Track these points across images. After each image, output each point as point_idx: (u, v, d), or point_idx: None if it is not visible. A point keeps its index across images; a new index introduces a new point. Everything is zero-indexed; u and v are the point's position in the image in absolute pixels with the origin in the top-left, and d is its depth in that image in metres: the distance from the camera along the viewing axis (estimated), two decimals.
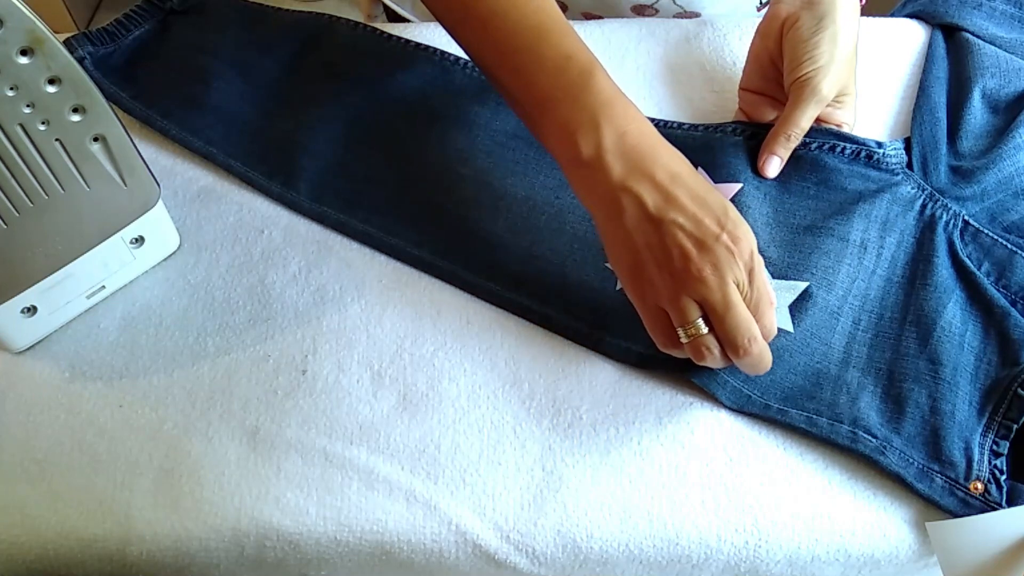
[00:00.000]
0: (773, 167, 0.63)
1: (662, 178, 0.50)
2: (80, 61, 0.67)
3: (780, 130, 0.61)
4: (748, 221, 0.60)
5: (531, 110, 0.54)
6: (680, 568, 0.54)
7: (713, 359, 0.51)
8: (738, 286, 0.49)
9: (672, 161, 0.51)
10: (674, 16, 0.76)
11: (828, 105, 0.62)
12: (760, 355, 0.51)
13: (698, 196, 0.50)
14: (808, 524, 0.53)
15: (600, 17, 0.78)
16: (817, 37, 0.59)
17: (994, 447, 0.54)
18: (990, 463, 0.53)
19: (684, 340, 0.51)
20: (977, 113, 0.65)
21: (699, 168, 0.63)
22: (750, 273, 0.50)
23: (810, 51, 0.59)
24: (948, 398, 0.55)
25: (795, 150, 0.63)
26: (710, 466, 0.54)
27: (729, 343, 0.50)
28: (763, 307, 0.50)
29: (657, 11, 0.77)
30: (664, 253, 0.49)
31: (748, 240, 0.50)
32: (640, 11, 0.77)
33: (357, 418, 0.56)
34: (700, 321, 0.50)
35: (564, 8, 0.80)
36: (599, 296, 0.60)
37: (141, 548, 0.53)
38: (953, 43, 0.70)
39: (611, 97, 0.51)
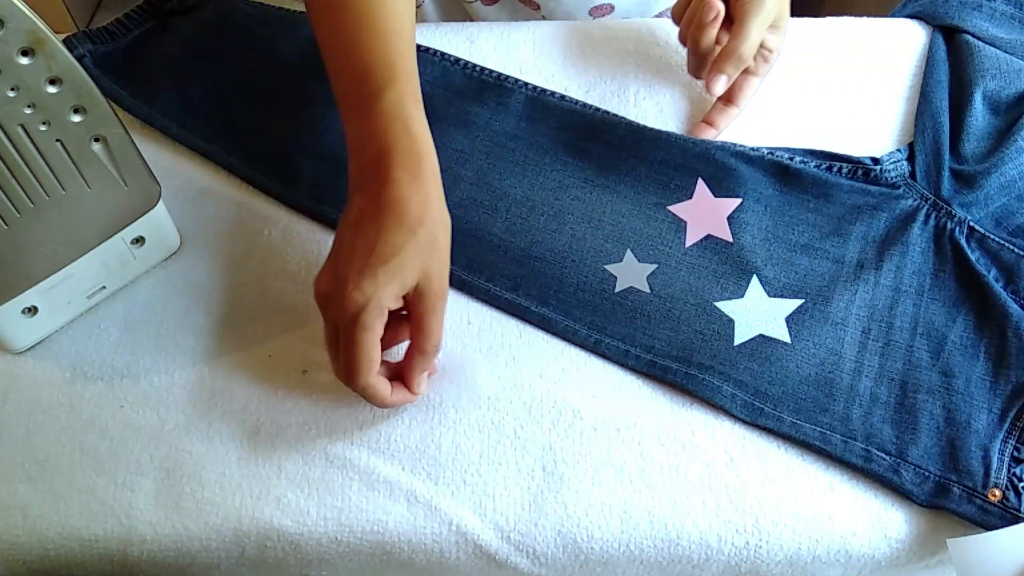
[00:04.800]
0: (719, 85, 0.62)
1: (369, 203, 0.51)
2: (80, 59, 0.67)
3: (732, 46, 0.61)
4: (747, 237, 0.61)
5: (341, 114, 0.55)
6: (681, 568, 0.54)
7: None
8: (341, 328, 0.50)
9: (393, 197, 0.50)
10: (589, 11, 0.77)
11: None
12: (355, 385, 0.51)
13: (370, 239, 0.50)
14: (809, 524, 0.53)
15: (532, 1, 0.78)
16: None
17: (1015, 453, 0.54)
18: (1009, 470, 0.53)
19: None
20: (979, 116, 0.65)
21: (699, 179, 0.63)
22: (351, 327, 0.49)
23: None
24: (963, 409, 0.55)
25: (795, 166, 0.63)
26: (710, 466, 0.54)
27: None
28: (350, 359, 0.50)
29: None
30: (329, 256, 0.52)
31: (372, 294, 0.49)
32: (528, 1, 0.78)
33: (358, 418, 0.56)
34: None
35: None
36: (598, 298, 0.60)
37: (142, 548, 0.53)
38: (953, 45, 0.70)
39: (389, 121, 0.52)
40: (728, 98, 0.65)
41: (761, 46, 0.63)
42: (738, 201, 0.62)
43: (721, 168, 0.63)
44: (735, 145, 0.64)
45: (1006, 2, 0.71)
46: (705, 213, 0.62)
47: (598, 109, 0.67)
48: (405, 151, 0.51)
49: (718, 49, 0.63)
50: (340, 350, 0.51)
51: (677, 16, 0.66)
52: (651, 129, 0.66)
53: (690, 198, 0.63)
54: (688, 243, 0.61)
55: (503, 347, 0.59)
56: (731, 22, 0.62)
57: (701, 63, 0.64)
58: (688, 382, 0.56)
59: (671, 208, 0.63)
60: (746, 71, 0.64)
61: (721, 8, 0.60)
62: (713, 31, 0.61)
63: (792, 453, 0.55)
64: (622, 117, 0.66)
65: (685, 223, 0.62)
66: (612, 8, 0.80)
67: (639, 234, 0.62)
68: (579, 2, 0.80)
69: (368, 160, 0.52)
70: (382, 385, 0.52)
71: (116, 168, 0.52)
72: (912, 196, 0.63)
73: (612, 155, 0.65)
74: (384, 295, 0.49)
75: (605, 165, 0.64)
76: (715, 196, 0.63)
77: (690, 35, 0.62)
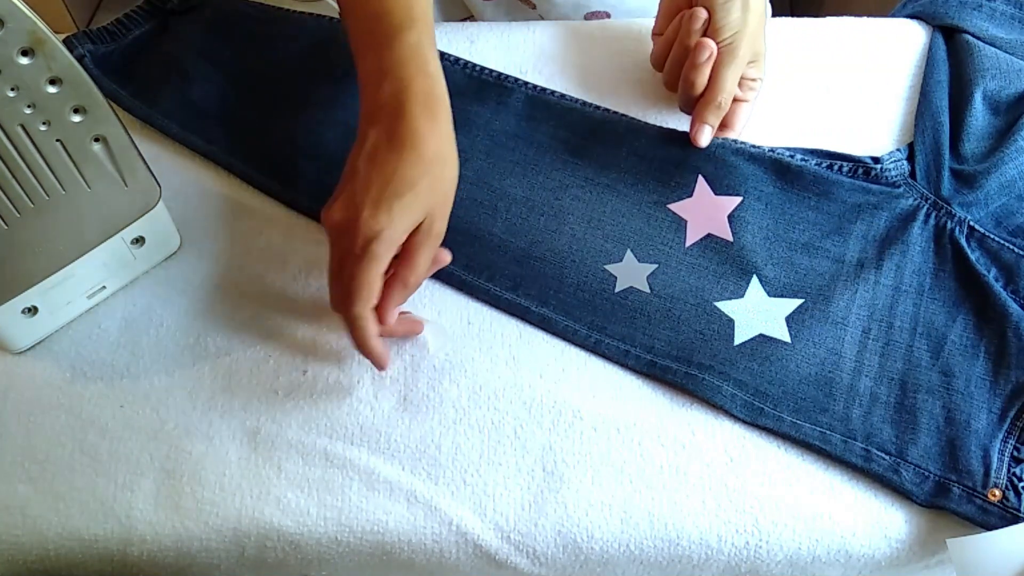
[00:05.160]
0: (705, 136, 0.63)
1: (385, 138, 0.52)
2: (80, 59, 0.67)
3: (709, 97, 0.62)
4: (747, 236, 0.61)
5: (353, 52, 0.57)
6: (681, 568, 0.54)
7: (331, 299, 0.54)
8: (348, 255, 0.51)
9: (411, 132, 0.51)
10: (585, 17, 0.78)
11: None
12: (344, 318, 0.53)
13: (388, 171, 0.51)
14: (809, 524, 0.53)
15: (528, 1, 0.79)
16: (729, 4, 0.61)
17: (1015, 453, 0.54)
18: (1009, 470, 0.53)
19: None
20: (979, 115, 0.65)
21: (700, 177, 0.63)
22: (360, 254, 0.50)
23: (724, 17, 0.61)
24: (963, 408, 0.55)
25: (797, 164, 0.63)
26: (710, 466, 0.54)
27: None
28: (352, 284, 0.51)
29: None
30: (340, 187, 0.53)
31: (385, 225, 0.50)
32: None
33: (358, 418, 0.56)
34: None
35: None
36: (598, 298, 0.60)
37: (142, 548, 0.53)
38: (953, 45, 0.70)
39: (407, 58, 0.53)
40: (723, 123, 0.65)
41: (745, 78, 0.64)
42: (739, 199, 0.62)
43: (722, 165, 0.63)
44: (736, 142, 0.64)
45: (1006, 2, 0.71)
46: (705, 211, 0.62)
47: (598, 107, 0.67)
48: (423, 90, 0.53)
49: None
50: (344, 279, 0.51)
51: (659, 62, 0.66)
52: (651, 127, 0.66)
53: (690, 196, 0.63)
54: (688, 242, 0.61)
55: (503, 347, 0.59)
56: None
57: (694, 101, 0.64)
58: (688, 382, 0.56)
59: (671, 206, 0.63)
60: (734, 100, 0.64)
61: (714, 47, 0.61)
62: (707, 70, 0.62)
63: (792, 453, 0.55)
64: (622, 115, 0.66)
65: (685, 222, 0.62)
66: (608, 15, 0.80)
67: (639, 234, 0.62)
68: (575, 6, 0.80)
69: (385, 96, 0.53)
70: (373, 320, 0.52)
71: (116, 168, 0.52)
72: (912, 195, 0.63)
73: (612, 153, 0.65)
74: (397, 227, 0.50)
75: (605, 164, 0.64)
76: (715, 194, 0.63)
77: (684, 75, 0.62)
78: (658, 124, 0.66)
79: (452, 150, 0.54)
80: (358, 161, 0.52)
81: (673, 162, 0.64)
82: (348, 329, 0.53)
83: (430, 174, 0.51)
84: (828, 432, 0.55)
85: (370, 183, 0.51)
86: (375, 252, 0.50)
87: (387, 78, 0.53)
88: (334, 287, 0.53)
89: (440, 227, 0.53)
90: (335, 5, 0.66)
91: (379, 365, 0.55)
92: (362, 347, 0.53)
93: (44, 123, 0.47)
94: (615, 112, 0.67)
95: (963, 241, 0.60)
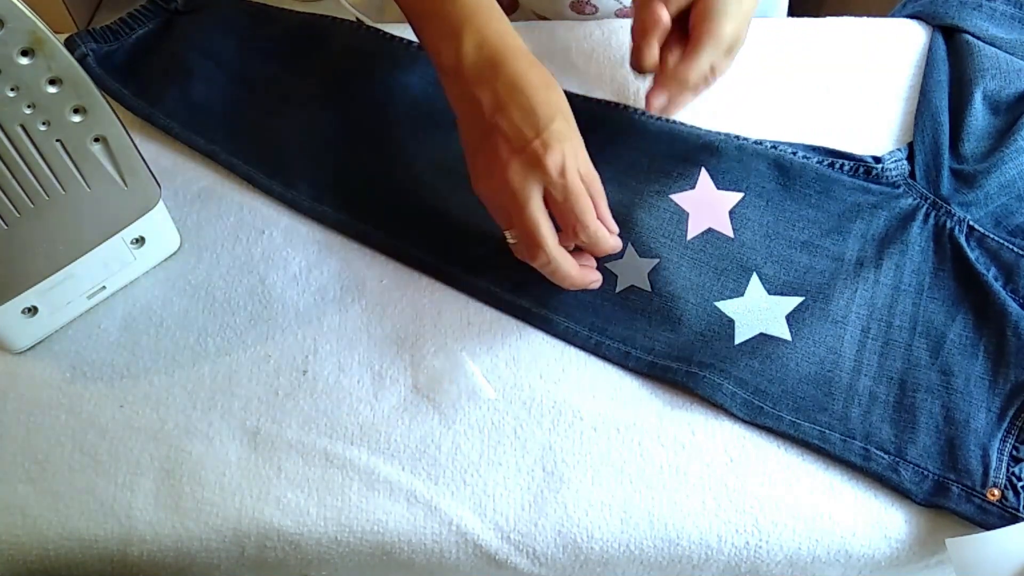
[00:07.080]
0: (659, 103, 0.62)
1: (500, 87, 0.53)
2: (83, 58, 0.67)
3: (679, 70, 0.61)
4: (747, 233, 0.61)
5: (414, 24, 0.58)
6: (681, 569, 0.54)
7: (534, 262, 0.55)
8: (553, 189, 0.52)
9: (517, 72, 0.53)
10: (615, 13, 0.77)
11: None
12: (550, 267, 0.55)
13: (527, 107, 0.52)
14: (809, 524, 0.53)
15: (545, 18, 0.79)
16: None
17: (1014, 452, 0.54)
18: (1008, 469, 0.53)
19: (510, 242, 0.56)
20: (979, 115, 0.65)
21: (702, 169, 0.63)
22: (562, 177, 0.52)
23: (720, 2, 0.60)
24: (962, 408, 0.55)
25: (799, 161, 0.63)
26: (710, 466, 0.54)
27: (521, 244, 0.55)
28: (577, 208, 0.53)
29: (597, 8, 0.78)
30: (490, 157, 0.54)
31: (562, 149, 0.52)
32: (579, 9, 0.78)
33: (358, 418, 0.56)
34: (509, 232, 0.55)
35: (515, 6, 0.82)
36: (599, 299, 0.60)
37: (142, 549, 0.53)
38: (953, 45, 0.70)
39: (474, 9, 0.55)
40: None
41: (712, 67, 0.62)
42: (740, 195, 0.62)
43: (724, 159, 0.63)
44: (738, 137, 0.64)
45: (1006, 2, 0.71)
46: (707, 204, 0.62)
47: (599, 101, 0.67)
48: (517, 48, 0.55)
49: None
50: (563, 207, 0.53)
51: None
52: (653, 120, 0.66)
53: (693, 188, 0.63)
54: (690, 235, 0.61)
55: (503, 347, 0.59)
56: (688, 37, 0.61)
57: (638, 52, 0.63)
58: (688, 380, 0.56)
59: (673, 196, 0.63)
60: None
61: (666, 20, 0.60)
62: (655, 50, 0.61)
63: (792, 453, 0.55)
64: (624, 107, 0.66)
65: (687, 214, 0.62)
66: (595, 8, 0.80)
67: (641, 225, 0.62)
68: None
69: (483, 63, 0.54)
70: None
71: (116, 168, 0.52)
72: (912, 195, 0.63)
73: (614, 147, 0.65)
74: (571, 146, 0.53)
75: (607, 158, 0.64)
76: (717, 188, 0.63)
77: (633, 49, 0.62)
78: (660, 119, 0.66)
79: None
80: (494, 118, 0.53)
81: (676, 155, 0.64)
82: (590, 243, 0.55)
83: (559, 90, 0.54)
84: (827, 431, 0.55)
85: (513, 121, 0.52)
86: (579, 163, 0.52)
87: (482, 48, 0.54)
88: (543, 234, 0.53)
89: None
90: (336, 5, 0.66)
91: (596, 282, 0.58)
92: (604, 251, 0.56)
93: (44, 123, 0.47)
94: (617, 104, 0.67)
95: (963, 240, 0.60)
